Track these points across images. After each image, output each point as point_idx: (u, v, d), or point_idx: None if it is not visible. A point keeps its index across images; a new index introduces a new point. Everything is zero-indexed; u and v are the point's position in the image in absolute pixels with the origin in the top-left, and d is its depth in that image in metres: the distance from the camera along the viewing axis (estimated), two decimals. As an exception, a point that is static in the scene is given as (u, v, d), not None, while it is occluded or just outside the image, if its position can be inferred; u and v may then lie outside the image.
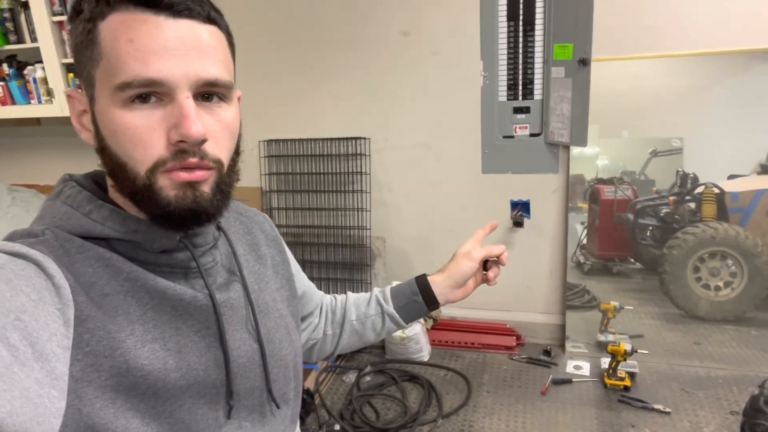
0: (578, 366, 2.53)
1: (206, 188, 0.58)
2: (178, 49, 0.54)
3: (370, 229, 2.81)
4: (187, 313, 0.59)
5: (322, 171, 2.81)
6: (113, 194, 0.60)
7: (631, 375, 2.37)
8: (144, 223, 0.58)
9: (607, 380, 2.34)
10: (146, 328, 0.56)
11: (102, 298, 0.54)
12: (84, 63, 0.55)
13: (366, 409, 2.26)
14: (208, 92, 0.58)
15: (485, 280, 0.95)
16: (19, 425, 0.45)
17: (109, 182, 0.60)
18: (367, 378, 2.49)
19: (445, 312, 2.85)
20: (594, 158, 2.72)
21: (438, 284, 0.91)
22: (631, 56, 2.41)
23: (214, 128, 0.58)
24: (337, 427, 2.10)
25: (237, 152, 0.64)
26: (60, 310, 0.50)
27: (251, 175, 2.90)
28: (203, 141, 0.56)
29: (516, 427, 2.11)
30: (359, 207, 2.79)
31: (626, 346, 2.29)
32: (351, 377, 2.49)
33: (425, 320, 2.69)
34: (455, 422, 2.16)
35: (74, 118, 0.57)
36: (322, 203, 2.84)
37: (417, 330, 2.59)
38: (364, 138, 2.75)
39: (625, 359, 2.31)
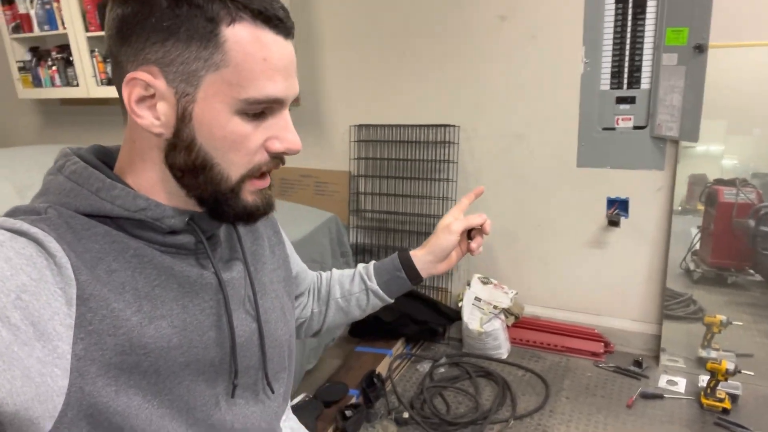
0: (672, 381, 2.33)
1: (271, 191, 0.62)
2: (290, 69, 0.58)
3: (454, 219, 2.75)
4: (194, 291, 0.59)
5: (410, 158, 2.79)
6: (130, 172, 0.59)
7: (733, 397, 2.14)
8: (153, 202, 0.58)
9: (703, 400, 2.13)
10: (154, 304, 0.56)
11: (109, 274, 0.54)
12: (187, 58, 0.54)
13: (437, 400, 2.24)
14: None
15: (469, 251, 0.88)
16: (19, 404, 0.45)
17: (151, 167, 0.58)
18: (442, 369, 2.46)
19: (529, 311, 2.74)
20: (719, 157, 2.46)
21: (420, 259, 0.87)
22: (754, 43, 2.14)
23: None
24: (405, 414, 2.10)
25: None
26: (62, 290, 0.50)
27: (341, 160, 2.95)
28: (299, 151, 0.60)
29: (594, 438, 1.98)
30: (445, 196, 2.75)
31: (729, 364, 2.07)
32: (425, 367, 2.47)
33: (506, 317, 2.60)
34: (528, 425, 2.07)
35: (133, 101, 0.55)
36: (408, 190, 2.83)
37: (496, 326, 2.51)
38: (454, 126, 2.69)
39: (726, 379, 2.09)
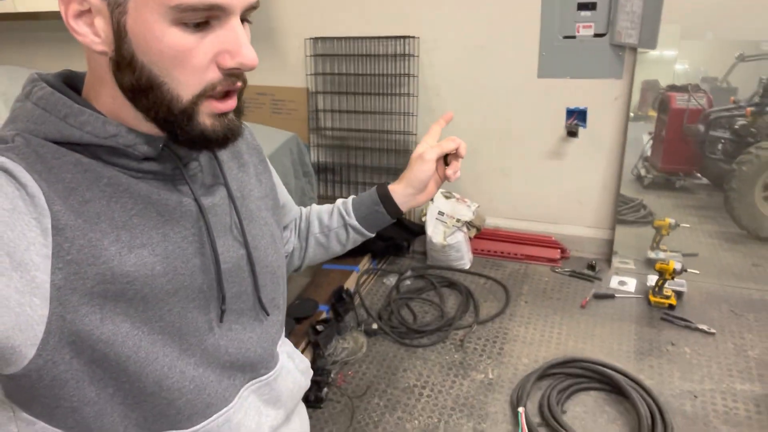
0: (623, 282, 2.48)
1: (235, 115, 0.57)
2: None
3: (416, 134, 2.73)
4: (174, 219, 0.58)
5: (369, 72, 2.71)
6: (96, 96, 0.56)
7: (678, 294, 2.30)
8: (124, 128, 0.55)
9: (651, 298, 2.29)
10: (133, 233, 0.55)
11: (82, 204, 0.52)
12: None
13: (404, 311, 2.33)
14: (245, 17, 0.56)
15: (446, 177, 0.88)
16: (0, 333, 0.46)
17: (108, 89, 0.54)
18: (407, 282, 2.54)
19: (490, 222, 2.82)
20: (671, 62, 2.48)
21: (398, 193, 0.85)
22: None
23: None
24: (374, 326, 2.18)
25: None
26: (36, 219, 0.49)
27: (297, 75, 2.84)
28: (255, 67, 0.54)
29: (551, 337, 2.12)
30: (406, 111, 2.71)
31: (676, 264, 2.21)
32: (391, 280, 2.55)
33: (468, 229, 2.67)
34: (490, 329, 2.19)
35: (70, 17, 0.51)
36: (368, 106, 2.77)
37: (459, 238, 2.58)
38: (414, 37, 2.60)
39: (673, 278, 2.23)
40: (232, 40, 0.52)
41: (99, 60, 0.54)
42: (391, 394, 1.87)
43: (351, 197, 0.90)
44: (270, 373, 0.69)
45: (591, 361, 1.92)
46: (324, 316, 2.15)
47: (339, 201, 0.91)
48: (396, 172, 2.82)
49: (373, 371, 1.99)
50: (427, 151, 0.84)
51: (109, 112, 0.56)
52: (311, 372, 0.83)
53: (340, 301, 2.20)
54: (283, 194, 0.83)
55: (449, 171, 0.87)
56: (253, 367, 0.67)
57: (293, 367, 0.76)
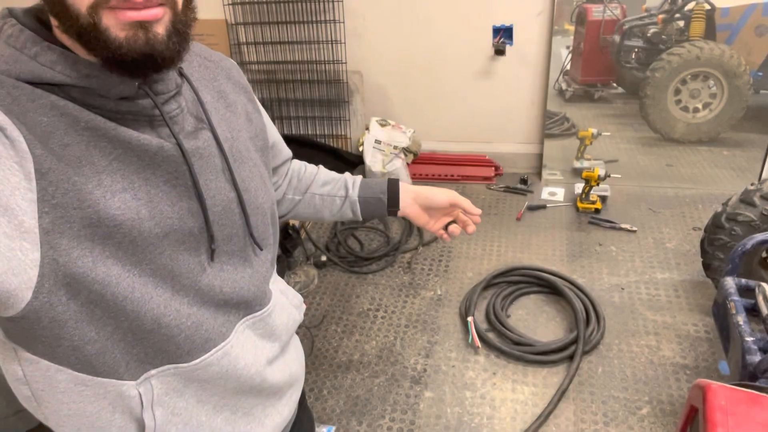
0: (553, 192, 2.63)
1: (160, 29, 0.52)
2: None
3: (345, 63, 2.68)
4: (155, 163, 0.56)
5: (290, -1, 2.59)
6: (60, 34, 0.53)
7: (603, 198, 2.48)
8: (97, 67, 0.52)
9: (579, 204, 2.45)
10: (114, 178, 0.54)
11: (62, 149, 0.51)
12: None
13: (350, 240, 2.38)
14: None
15: (440, 233, 0.92)
16: None
17: (53, 21, 0.52)
18: (350, 212, 2.58)
19: (425, 146, 2.86)
20: (586, -27, 2.52)
21: (406, 191, 0.88)
22: None
23: None
24: (323, 258, 2.23)
25: None
26: (18, 164, 0.47)
27: (213, 5, 2.67)
28: None
29: (491, 250, 2.25)
30: (333, 39, 2.63)
31: (600, 171, 2.36)
32: (334, 212, 2.57)
33: (405, 155, 2.71)
34: (435, 249, 2.29)
35: None
36: (293, 36, 2.67)
37: (397, 165, 2.62)
38: (334, -41, 2.49)
39: (598, 184, 2.39)
40: None
41: None
42: (347, 320, 1.95)
43: (360, 177, 0.91)
44: (264, 309, 0.71)
45: (529, 268, 2.06)
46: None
47: (347, 174, 0.92)
48: (328, 104, 2.79)
49: (327, 301, 2.05)
50: (457, 195, 0.89)
51: (77, 48, 0.53)
52: (304, 306, 0.85)
53: (287, 237, 2.21)
54: (273, 134, 0.81)
55: (452, 228, 0.90)
56: (248, 304, 0.68)
57: (287, 302, 0.78)
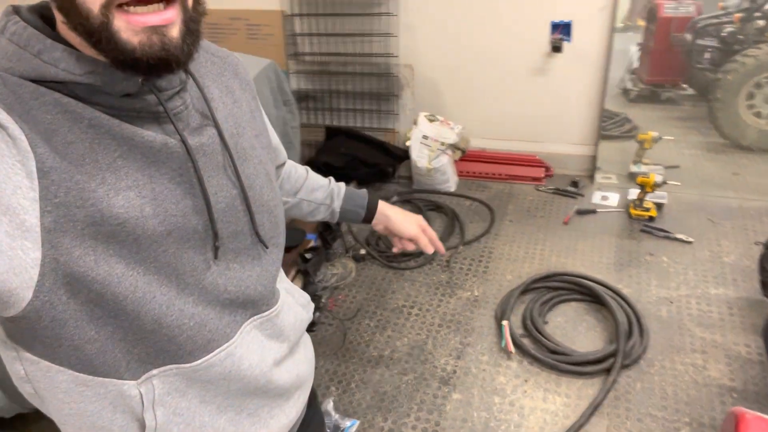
0: (605, 197, 2.52)
1: (174, 32, 0.51)
2: None
3: (398, 56, 2.66)
4: (159, 161, 0.56)
5: (345, -9, 2.59)
6: (65, 32, 0.53)
7: (659, 206, 2.35)
8: (101, 64, 0.52)
9: (632, 211, 2.34)
10: (117, 176, 0.53)
11: (66, 146, 0.51)
12: None
13: (391, 235, 2.37)
14: None
15: (395, 243, 1.01)
16: None
17: (60, 18, 0.52)
18: (394, 207, 2.57)
19: (474, 144, 2.81)
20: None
21: (381, 213, 0.95)
22: None
23: None
24: (362, 251, 2.23)
25: None
26: (20, 162, 0.48)
27: (270, -3, 2.72)
28: None
29: (534, 253, 2.18)
30: (386, 32, 2.62)
31: (657, 177, 2.24)
32: (378, 206, 2.57)
33: (453, 152, 2.67)
34: (476, 248, 2.25)
35: None
36: (347, 28, 2.68)
37: (444, 161, 2.58)
38: (390, -49, 2.47)
39: (653, 190, 2.27)
40: None
41: None
42: (380, 315, 1.95)
43: (344, 186, 0.96)
44: (271, 309, 0.70)
45: (572, 274, 1.99)
46: (312, 244, 2.19)
47: (333, 182, 0.96)
48: (378, 97, 2.78)
49: (362, 294, 2.05)
50: (426, 229, 0.97)
51: (81, 45, 0.53)
52: (312, 305, 0.85)
53: (328, 229, 2.23)
54: (273, 135, 0.81)
55: (405, 242, 0.98)
56: (254, 304, 0.67)
57: (293, 301, 0.77)
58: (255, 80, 2.12)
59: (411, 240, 0.98)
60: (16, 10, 0.54)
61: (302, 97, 2.88)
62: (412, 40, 2.66)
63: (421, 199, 2.59)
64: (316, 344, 1.85)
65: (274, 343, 0.72)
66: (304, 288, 2.02)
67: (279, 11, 2.74)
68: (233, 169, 0.63)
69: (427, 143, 2.58)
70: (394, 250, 1.01)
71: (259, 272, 0.68)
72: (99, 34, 0.49)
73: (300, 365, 0.78)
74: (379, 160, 2.66)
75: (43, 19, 0.55)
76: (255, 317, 0.68)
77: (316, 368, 1.74)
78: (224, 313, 0.64)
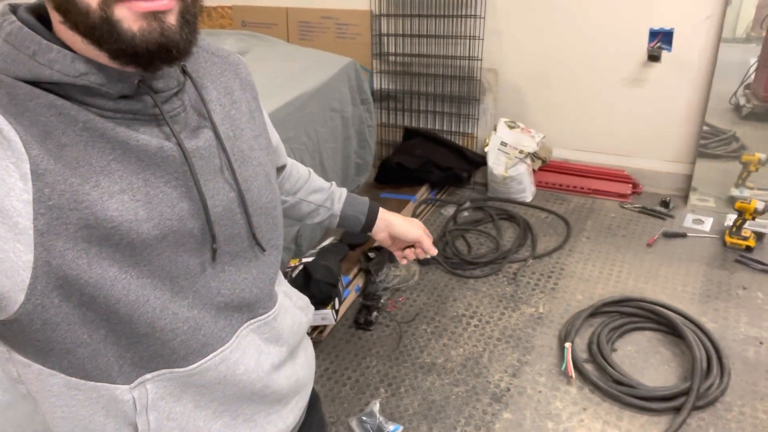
0: (698, 220, 2.31)
1: (172, 20, 0.51)
2: None
3: (481, 60, 2.60)
4: (155, 164, 0.55)
5: (434, -7, 2.57)
6: (62, 31, 0.52)
7: (759, 236, 2.13)
8: (96, 65, 0.51)
9: (728, 238, 2.13)
10: (112, 179, 0.53)
11: (60, 149, 0.50)
12: None
13: (459, 242, 2.32)
14: None
15: (399, 255, 0.97)
16: None
17: (57, 17, 0.51)
18: (465, 213, 2.51)
19: (557, 154, 2.69)
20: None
21: (382, 219, 0.92)
22: None
23: None
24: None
25: None
26: (14, 164, 0.47)
27: (361, -3, 2.75)
28: None
29: (610, 274, 2.05)
30: (472, 35, 2.57)
31: (758, 203, 2.02)
32: (449, 211, 2.53)
33: (533, 160, 2.57)
34: (546, 263, 2.15)
35: None
36: (433, 30, 2.65)
37: (521, 170, 2.49)
38: (483, -48, 2.42)
39: (754, 218, 2.06)
40: None
41: None
42: (438, 322, 1.91)
43: (345, 191, 0.94)
44: (269, 313, 0.69)
45: (648, 301, 1.84)
46: (377, 243, 2.19)
47: (335, 186, 0.94)
48: (459, 100, 2.73)
49: (423, 299, 2.02)
50: (425, 234, 0.94)
51: (76, 46, 0.52)
52: (312, 308, 0.84)
53: (395, 229, 2.22)
54: (274, 135, 0.80)
55: (407, 251, 0.96)
56: (251, 307, 0.67)
57: (291, 305, 0.76)
58: (334, 78, 2.15)
59: (414, 244, 0.94)
60: (12, 9, 0.54)
61: (384, 96, 2.89)
62: (498, 44, 2.59)
63: (494, 207, 2.51)
64: (371, 344, 1.84)
65: (273, 347, 0.70)
66: (365, 287, 2.03)
67: (368, 11, 2.77)
68: (230, 171, 0.63)
69: (506, 150, 2.50)
70: (402, 262, 0.97)
71: (256, 275, 0.67)
72: (100, 29, 0.49)
73: (300, 370, 0.76)
74: (454, 164, 2.61)
75: (39, 19, 0.54)
76: (252, 321, 0.67)
77: (368, 367, 1.74)
78: (219, 317, 0.63)
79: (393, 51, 2.80)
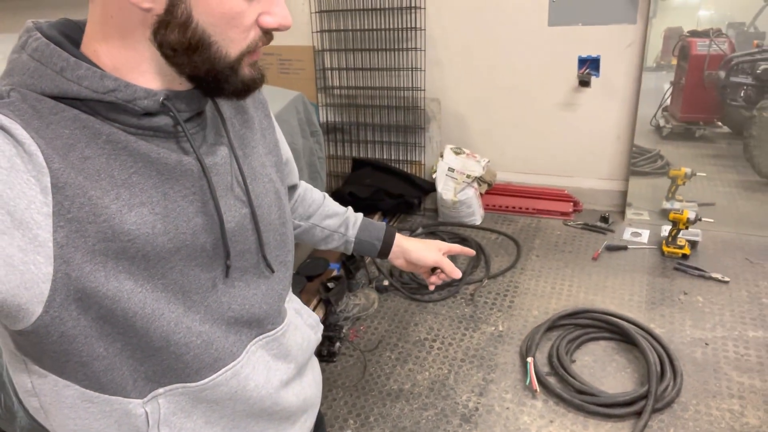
0: (636, 233, 2.45)
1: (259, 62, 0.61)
2: None
3: (424, 90, 2.69)
4: (173, 178, 0.57)
5: (376, 27, 2.65)
6: (96, 50, 0.54)
7: (692, 244, 2.27)
8: (123, 83, 0.53)
9: (665, 248, 2.27)
10: (132, 192, 0.54)
11: (82, 162, 0.52)
12: None
13: (415, 267, 2.34)
14: None
15: (429, 280, 0.95)
16: (5, 292, 0.46)
17: (169, 52, 0.54)
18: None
19: (501, 177, 2.79)
20: (696, 8, 2.38)
21: (398, 245, 0.92)
22: None
23: None
24: (385, 282, 2.21)
25: None
26: (35, 177, 0.48)
27: (302, 33, 2.80)
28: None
29: (561, 289, 2.13)
30: (414, 67, 2.66)
31: (690, 213, 2.17)
32: (403, 238, 2.55)
33: (479, 184, 2.66)
34: (501, 283, 2.20)
35: None
36: (375, 63, 2.73)
37: (469, 194, 2.57)
38: (419, -12, 2.53)
39: (687, 227, 2.20)
40: (273, 3, 0.57)
41: (134, 15, 0.53)
42: (402, 348, 1.91)
43: (361, 216, 0.94)
44: (277, 329, 0.70)
45: (601, 312, 1.92)
46: (335, 273, 2.18)
47: (351, 211, 0.95)
48: (405, 129, 2.80)
49: (384, 326, 2.02)
50: (444, 255, 0.93)
51: (110, 65, 0.55)
52: (321, 326, 0.84)
53: (351, 259, 2.22)
54: (286, 151, 0.82)
55: (432, 278, 0.94)
56: (260, 323, 0.67)
57: (301, 322, 0.76)
58: (283, 111, 2.16)
59: (435, 269, 0.93)
60: (37, 26, 0.55)
61: (331, 129, 2.92)
62: (439, 75, 2.69)
63: (447, 232, 2.56)
64: (336, 375, 1.81)
65: (281, 364, 0.70)
66: (326, 317, 2.00)
67: (310, 47, 2.82)
68: (243, 188, 0.64)
69: (453, 176, 2.57)
70: (431, 287, 0.96)
71: (265, 291, 0.67)
72: (222, 73, 0.56)
73: (307, 388, 0.76)
74: (405, 191, 2.66)
75: (64, 36, 0.56)
76: (260, 336, 0.67)
77: (334, 400, 1.71)
78: (230, 332, 0.63)
79: (337, 84, 2.85)
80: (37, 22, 0.56)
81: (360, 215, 0.94)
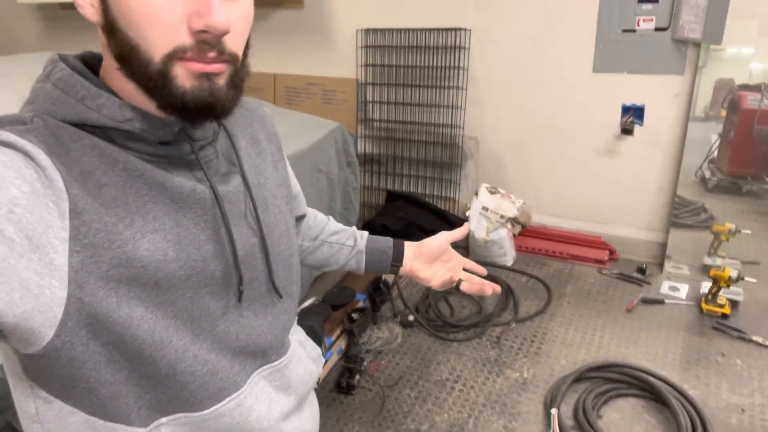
0: (674, 287, 2.37)
1: (221, 82, 0.55)
2: None
3: (463, 128, 2.70)
4: (187, 206, 0.57)
5: (419, 64, 2.70)
6: (111, 80, 0.56)
7: (733, 303, 2.18)
8: (140, 112, 0.54)
9: (704, 306, 2.18)
10: (146, 219, 0.55)
11: (99, 188, 0.53)
12: None
13: (442, 304, 2.31)
14: None
15: (454, 281, 0.92)
16: (19, 315, 0.46)
17: (113, 65, 0.54)
18: (448, 276, 2.52)
19: (536, 219, 2.75)
20: (748, 61, 2.33)
21: (409, 247, 0.92)
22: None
23: (235, 20, 0.54)
24: (411, 317, 2.18)
25: (248, 45, 0.59)
26: (54, 203, 0.49)
27: (347, 66, 2.87)
28: (225, 33, 0.52)
29: (592, 339, 2.06)
30: (454, 104, 2.68)
31: (732, 271, 2.08)
32: (432, 273, 2.53)
33: (513, 225, 2.62)
34: (529, 327, 2.15)
35: None
36: (417, 99, 2.76)
37: (502, 234, 2.54)
38: (465, 29, 2.57)
39: (728, 286, 2.11)
40: (201, 1, 0.51)
41: (100, 34, 0.55)
42: (422, 386, 1.87)
43: (367, 232, 0.95)
44: (281, 360, 0.70)
45: (632, 367, 1.85)
46: (360, 304, 2.17)
47: (354, 227, 0.96)
48: (441, 165, 2.81)
49: (406, 362, 1.99)
50: (446, 232, 0.93)
51: (124, 93, 0.56)
52: (323, 360, 0.83)
53: (378, 291, 2.21)
54: (295, 185, 0.83)
55: (464, 285, 0.92)
56: (264, 353, 0.67)
57: (304, 354, 0.76)
58: (322, 141, 2.20)
59: (459, 283, 0.91)
60: (62, 57, 0.58)
61: (368, 160, 2.96)
62: (479, 114, 2.70)
63: (476, 271, 2.53)
64: (353, 408, 1.79)
65: (282, 396, 0.70)
66: (347, 349, 1.99)
67: (354, 79, 2.88)
68: (255, 217, 0.65)
69: (487, 215, 2.55)
70: (463, 288, 0.93)
71: (271, 321, 0.67)
72: (155, 81, 0.52)
73: (307, 423, 0.75)
74: (437, 227, 2.64)
75: (86, 66, 0.58)
76: (264, 367, 0.67)
77: (349, 434, 1.68)
78: (235, 362, 0.63)
79: (378, 117, 2.89)
80: (61, 53, 0.59)
81: (365, 231, 0.95)
